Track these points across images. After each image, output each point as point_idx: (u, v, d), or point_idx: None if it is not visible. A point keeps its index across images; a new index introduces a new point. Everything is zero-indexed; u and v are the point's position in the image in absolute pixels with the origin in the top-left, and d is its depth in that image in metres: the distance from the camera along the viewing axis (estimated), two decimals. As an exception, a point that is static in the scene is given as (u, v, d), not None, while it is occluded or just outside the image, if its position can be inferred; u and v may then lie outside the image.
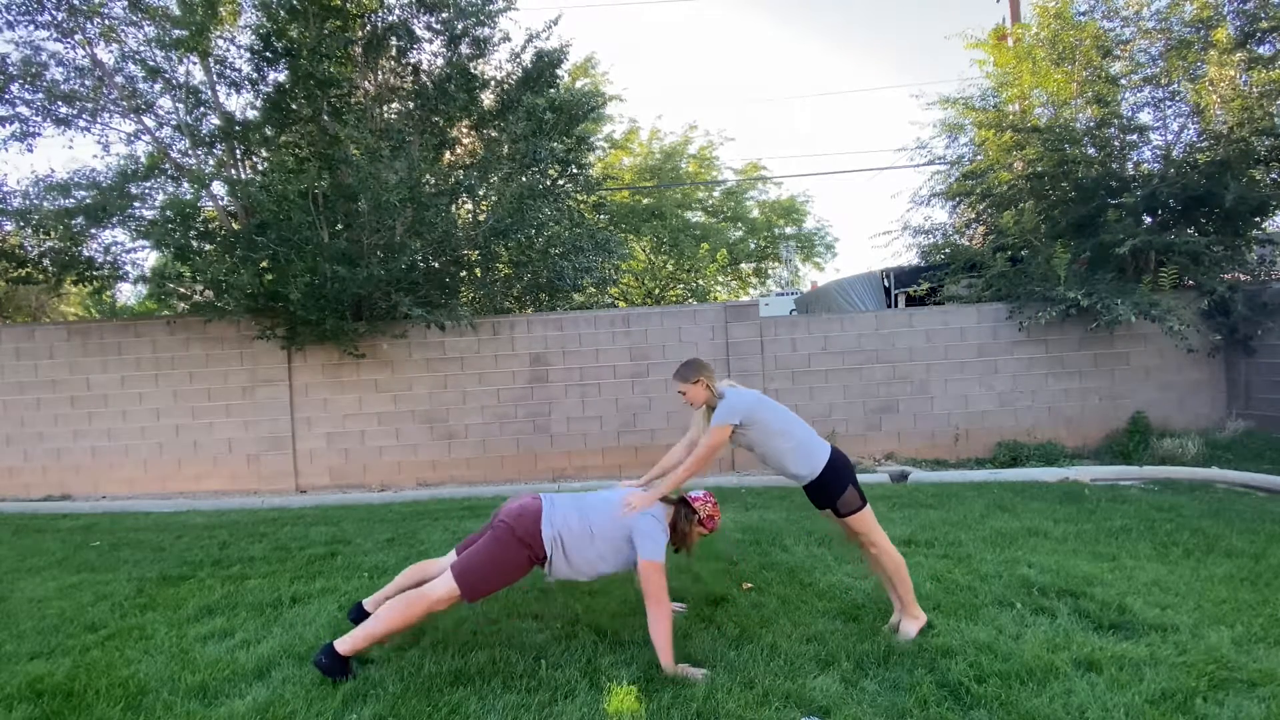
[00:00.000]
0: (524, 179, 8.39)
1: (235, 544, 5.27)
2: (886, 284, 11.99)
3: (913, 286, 10.91)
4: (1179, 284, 7.89)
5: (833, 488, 3.08)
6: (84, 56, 7.55)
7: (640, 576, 2.86)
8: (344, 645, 2.80)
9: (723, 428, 3.03)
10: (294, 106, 7.60)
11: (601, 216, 13.43)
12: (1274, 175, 7.68)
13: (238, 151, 7.87)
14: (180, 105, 7.63)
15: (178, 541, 5.44)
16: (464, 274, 9.04)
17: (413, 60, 8.10)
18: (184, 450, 7.98)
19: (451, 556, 3.12)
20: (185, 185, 7.64)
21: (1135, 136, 8.02)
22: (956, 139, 9.30)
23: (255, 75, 7.60)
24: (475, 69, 8.06)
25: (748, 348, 7.99)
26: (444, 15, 7.70)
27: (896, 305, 11.79)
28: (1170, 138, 8.05)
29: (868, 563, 3.37)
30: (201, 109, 7.68)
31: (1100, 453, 7.69)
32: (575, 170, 9.50)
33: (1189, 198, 7.47)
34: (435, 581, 2.87)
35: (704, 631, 3.21)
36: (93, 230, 7.80)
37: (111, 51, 7.66)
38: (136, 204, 7.55)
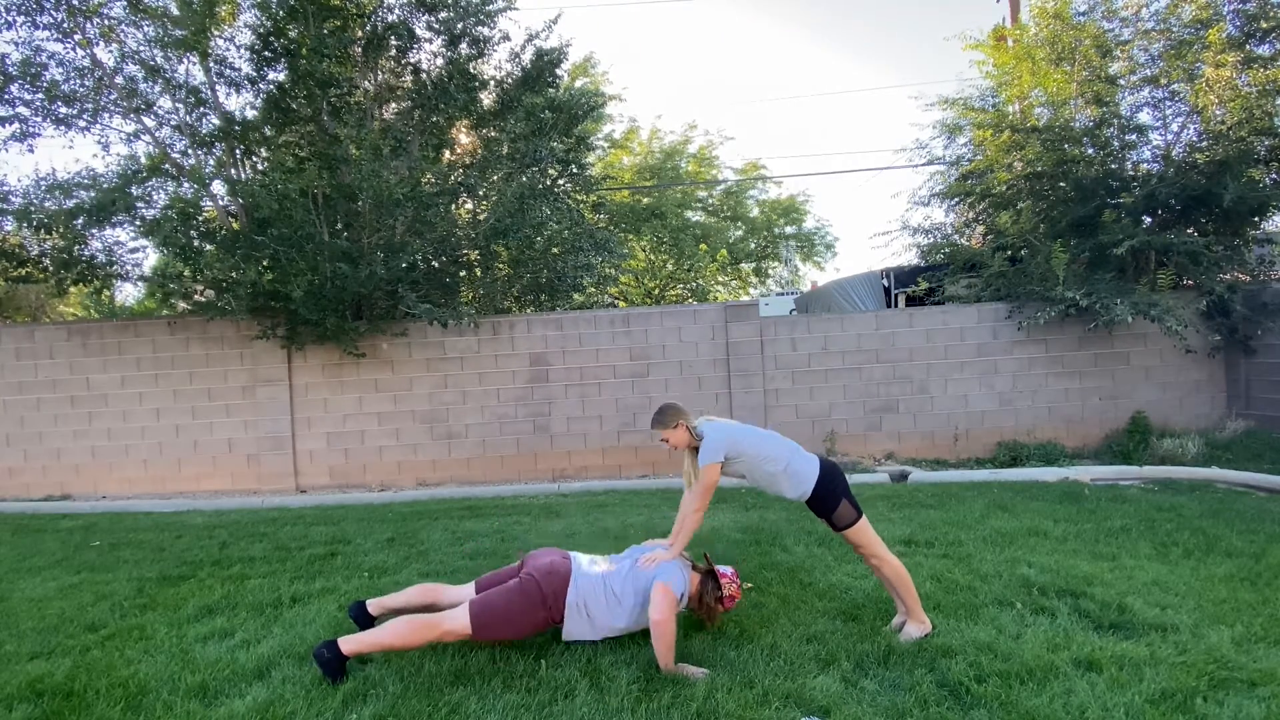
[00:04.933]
0: (524, 179, 8.38)
1: (235, 544, 5.27)
2: (886, 284, 12.00)
3: (912, 286, 10.92)
4: (1178, 284, 7.90)
5: (826, 503, 3.10)
6: (84, 57, 7.55)
7: (651, 597, 2.86)
8: (348, 645, 2.82)
9: (711, 467, 3.08)
10: (294, 106, 7.61)
11: (601, 216, 13.41)
12: (1273, 175, 7.67)
13: (238, 151, 7.87)
14: (180, 105, 7.63)
15: (178, 541, 5.44)
16: (464, 274, 9.04)
17: (412, 60, 8.10)
18: (184, 450, 7.98)
19: (468, 589, 3.16)
20: (185, 185, 7.64)
21: (1134, 136, 8.02)
22: (955, 139, 9.30)
23: (255, 75, 7.60)
24: (475, 69, 8.06)
25: (748, 348, 7.99)
26: (444, 15, 7.70)
27: (896, 305, 11.80)
28: (1170, 138, 8.06)
29: (870, 566, 3.37)
30: (201, 109, 7.68)
31: (1100, 453, 7.69)
32: (575, 170, 9.50)
33: (1188, 198, 7.47)
34: (452, 612, 2.89)
35: (704, 631, 3.22)
36: (93, 230, 7.79)
37: (111, 51, 7.67)
38: (138, 204, 7.55)
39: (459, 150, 8.83)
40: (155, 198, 7.79)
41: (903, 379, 7.98)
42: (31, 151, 13.85)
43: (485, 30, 7.96)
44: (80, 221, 7.43)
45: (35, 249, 8.26)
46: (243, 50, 7.66)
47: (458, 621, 2.84)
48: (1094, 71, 7.84)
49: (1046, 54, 8.10)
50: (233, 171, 7.85)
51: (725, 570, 3.22)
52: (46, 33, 7.42)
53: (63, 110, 7.41)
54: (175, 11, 7.26)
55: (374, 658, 2.99)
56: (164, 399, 7.99)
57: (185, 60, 7.60)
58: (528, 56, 8.35)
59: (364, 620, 3.17)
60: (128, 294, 13.58)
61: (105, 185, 7.28)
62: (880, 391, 8.00)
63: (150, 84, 7.61)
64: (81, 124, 7.57)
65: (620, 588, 2.98)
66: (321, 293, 7.02)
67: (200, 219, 7.83)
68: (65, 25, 7.38)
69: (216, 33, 7.58)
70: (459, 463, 8.05)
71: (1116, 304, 7.02)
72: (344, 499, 7.28)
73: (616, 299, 16.94)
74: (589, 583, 2.98)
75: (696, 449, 3.18)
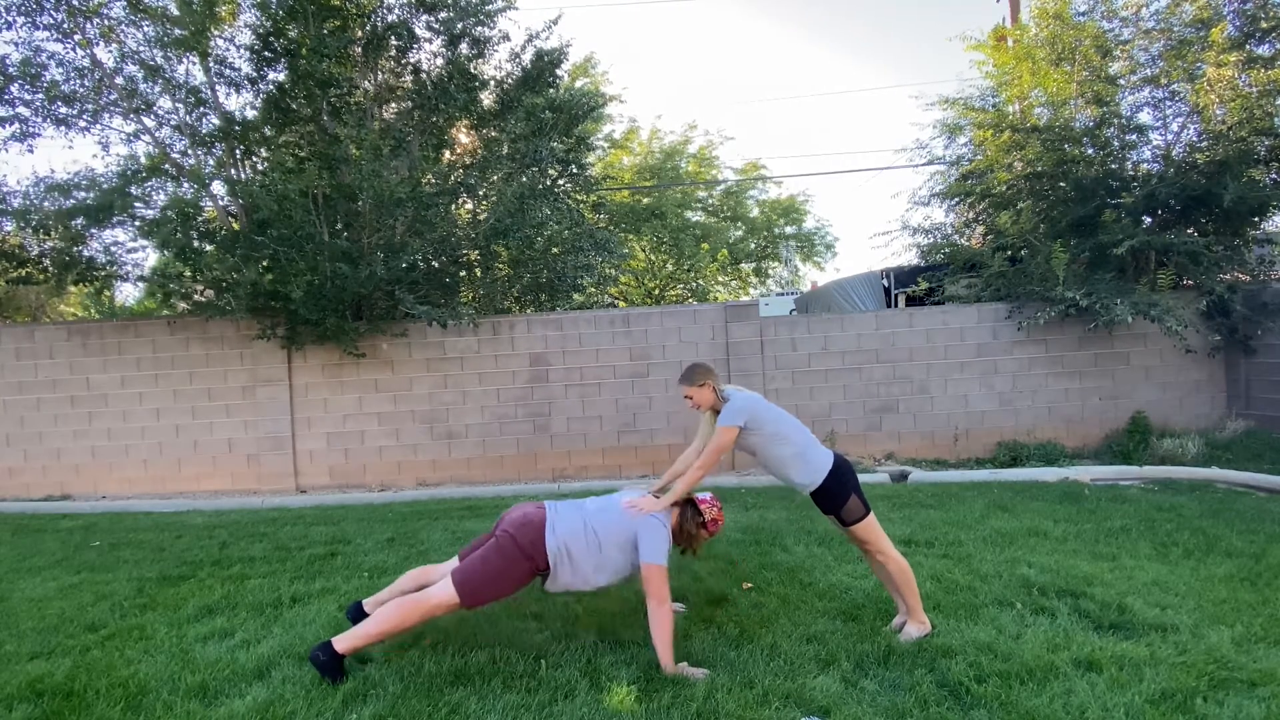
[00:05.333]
0: (524, 179, 8.39)
1: (235, 544, 5.27)
2: (886, 284, 12.00)
3: (912, 286, 10.92)
4: (1178, 284, 7.90)
5: (836, 497, 3.08)
6: (84, 57, 7.55)
7: (643, 578, 2.87)
8: (341, 644, 2.81)
9: (729, 429, 3.05)
10: (294, 106, 7.60)
11: (601, 216, 13.42)
12: (1273, 175, 7.67)
13: (237, 151, 7.87)
14: (180, 105, 7.63)
15: (178, 541, 5.44)
16: (464, 274, 9.04)
17: (412, 60, 8.10)
18: (184, 450, 7.98)
19: (454, 562, 3.13)
20: (185, 185, 7.64)
21: (1134, 136, 8.02)
22: (955, 139, 9.30)
23: (255, 75, 7.60)
24: (475, 69, 8.06)
25: (748, 348, 7.99)
26: (444, 15, 7.70)
27: (896, 305, 11.80)
28: (1170, 138, 8.06)
29: (871, 565, 3.37)
30: (201, 109, 7.68)
31: (1100, 453, 7.69)
32: (575, 170, 9.50)
33: (1188, 198, 7.47)
34: (435, 587, 2.88)
35: (704, 631, 3.21)
36: (93, 230, 7.80)
37: (111, 52, 7.66)
38: (138, 204, 7.55)
39: (459, 150, 8.83)
40: (155, 198, 7.79)
41: (903, 379, 7.98)
42: (31, 152, 13.83)
43: (485, 30, 7.95)
44: (79, 222, 7.44)
45: (35, 249, 8.27)
46: (243, 50, 7.66)
47: (444, 594, 2.82)
48: (1094, 71, 7.84)
49: (1046, 54, 8.10)
50: (233, 172, 7.85)
51: (704, 496, 3.18)
52: (46, 33, 7.42)
53: (63, 110, 7.41)
54: (175, 11, 7.25)
55: (374, 657, 2.99)
56: (164, 399, 7.99)
57: (185, 60, 7.60)
58: (528, 57, 8.35)
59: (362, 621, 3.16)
60: (128, 294, 13.57)
61: (105, 186, 7.28)
62: (880, 391, 8.00)
63: (150, 84, 7.61)
64: (81, 124, 7.56)
65: (601, 528, 2.94)
66: (321, 293, 7.02)
67: (200, 219, 7.83)
68: (65, 25, 7.38)
69: (216, 33, 7.57)
70: (459, 463, 8.05)
71: (1116, 304, 7.02)
72: (344, 499, 7.28)
73: (616, 299, 16.94)
74: (568, 525, 2.94)
75: (717, 413, 3.16)
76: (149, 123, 7.72)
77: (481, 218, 8.63)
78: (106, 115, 7.65)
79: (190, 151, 7.75)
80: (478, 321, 8.00)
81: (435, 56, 8.10)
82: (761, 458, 3.16)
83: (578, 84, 13.52)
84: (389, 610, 2.83)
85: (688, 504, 3.13)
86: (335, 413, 8.01)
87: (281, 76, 7.56)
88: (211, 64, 7.55)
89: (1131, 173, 8.02)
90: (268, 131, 7.86)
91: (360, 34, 7.60)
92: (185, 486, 7.96)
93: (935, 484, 6.65)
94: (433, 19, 7.76)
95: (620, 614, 3.42)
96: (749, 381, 7.92)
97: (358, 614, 3.19)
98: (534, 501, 3.15)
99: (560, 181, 9.42)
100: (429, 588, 2.91)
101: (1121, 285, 7.43)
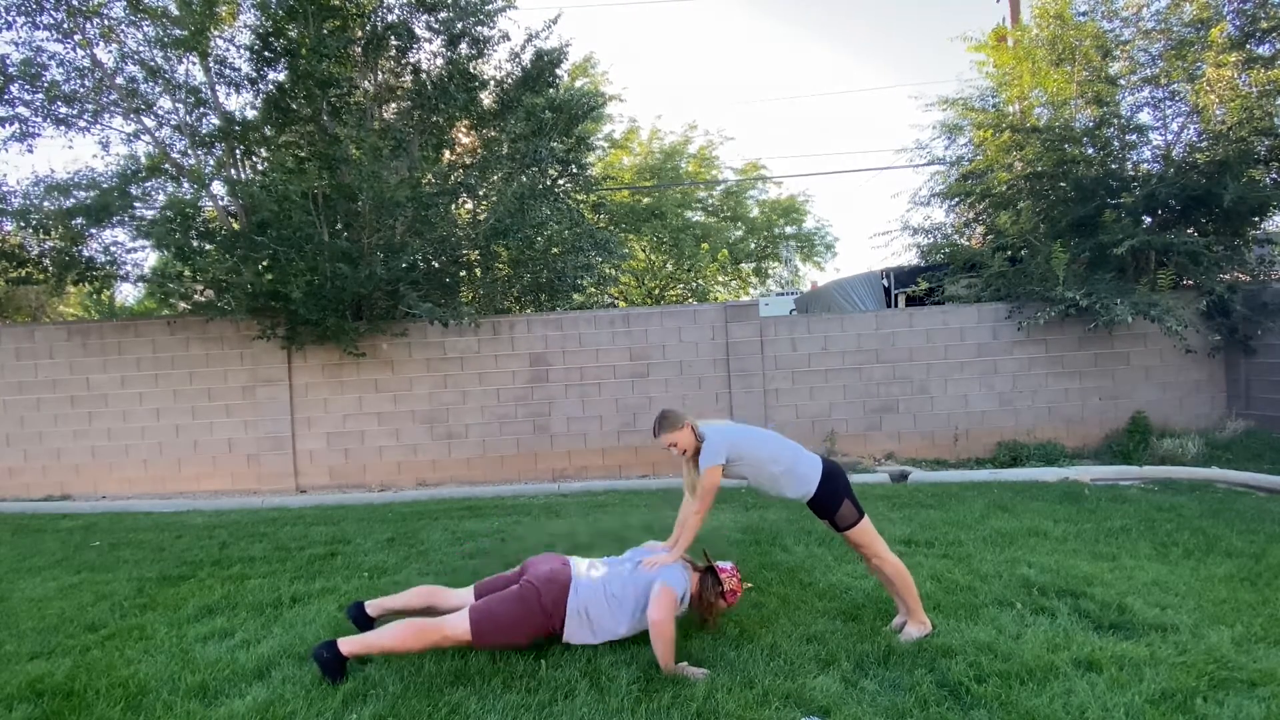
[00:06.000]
0: (524, 179, 8.39)
1: (235, 544, 5.27)
2: (886, 284, 12.00)
3: (912, 286, 10.92)
4: (1178, 284, 7.90)
5: (829, 504, 3.09)
6: (84, 57, 7.55)
7: (650, 596, 2.88)
8: (347, 646, 2.83)
9: (713, 470, 3.05)
10: (294, 106, 7.60)
11: (601, 216, 13.41)
12: (1273, 175, 7.68)
13: (237, 151, 7.87)
14: (180, 105, 7.63)
15: (178, 541, 5.44)
16: (464, 274, 9.04)
17: (412, 60, 8.10)
18: (184, 450, 7.98)
19: (467, 593, 3.16)
20: (185, 185, 7.64)
21: (1134, 136, 8.02)
22: (955, 140, 9.30)
23: (255, 75, 7.60)
24: (475, 69, 8.06)
25: (748, 348, 7.99)
26: (443, 15, 7.70)
27: (896, 305, 11.80)
28: (1170, 138, 8.06)
29: (868, 568, 3.37)
30: (201, 109, 7.68)
31: (1100, 453, 7.69)
32: (575, 170, 9.50)
33: (1188, 198, 7.47)
34: (453, 617, 2.91)
35: (704, 631, 3.21)
36: (93, 230, 7.80)
37: (111, 52, 7.66)
38: (137, 204, 7.55)
39: (459, 150, 8.83)
40: (155, 198, 7.79)
41: (903, 379, 7.98)
42: (31, 152, 13.84)
43: (485, 30, 7.95)
44: (79, 222, 7.44)
45: (35, 249, 8.26)
46: (243, 50, 7.66)
47: (459, 627, 2.86)
48: (1094, 71, 7.84)
49: (1047, 54, 8.10)
50: (233, 172, 7.84)
51: (725, 566, 3.21)
52: (46, 33, 7.42)
53: (63, 110, 7.41)
54: (175, 11, 7.26)
55: (374, 658, 2.99)
56: (164, 399, 7.99)
57: (185, 60, 7.60)
58: (528, 56, 8.35)
59: (362, 621, 3.16)
60: (128, 294, 13.59)
61: (104, 185, 7.28)
62: (880, 391, 7.99)
63: (150, 84, 7.61)
64: (81, 124, 7.57)
65: (620, 591, 2.99)
66: (321, 293, 7.02)
67: (200, 219, 7.83)
68: (65, 25, 7.38)
69: (216, 33, 7.57)
70: (459, 463, 8.05)
71: (1116, 304, 7.02)
72: (344, 499, 7.27)
73: (616, 299, 16.93)
74: (589, 589, 2.99)
75: (698, 453, 3.16)
76: (149, 123, 7.72)
77: (481, 218, 8.63)
78: (106, 115, 7.66)
79: (190, 151, 7.75)
80: (478, 321, 8.00)
81: (435, 56, 8.10)
82: (753, 482, 3.18)
83: (577, 84, 13.51)
84: (401, 629, 2.87)
85: (708, 572, 3.16)
86: (335, 413, 8.01)
87: (281, 76, 7.56)
88: (211, 64, 7.55)
89: (1131, 173, 8.02)
90: (268, 131, 7.86)
91: (360, 34, 7.59)
92: (185, 486, 7.96)
93: (935, 484, 6.65)
94: (433, 19, 7.76)
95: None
96: (749, 382, 7.93)
97: (358, 613, 3.19)
98: (559, 556, 3.19)
99: (560, 181, 9.42)
100: (446, 616, 2.93)
101: (1121, 285, 7.43)
